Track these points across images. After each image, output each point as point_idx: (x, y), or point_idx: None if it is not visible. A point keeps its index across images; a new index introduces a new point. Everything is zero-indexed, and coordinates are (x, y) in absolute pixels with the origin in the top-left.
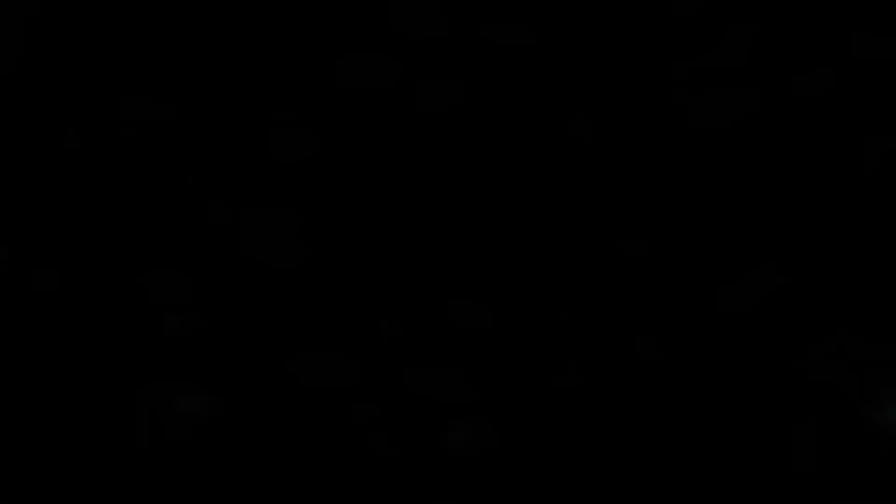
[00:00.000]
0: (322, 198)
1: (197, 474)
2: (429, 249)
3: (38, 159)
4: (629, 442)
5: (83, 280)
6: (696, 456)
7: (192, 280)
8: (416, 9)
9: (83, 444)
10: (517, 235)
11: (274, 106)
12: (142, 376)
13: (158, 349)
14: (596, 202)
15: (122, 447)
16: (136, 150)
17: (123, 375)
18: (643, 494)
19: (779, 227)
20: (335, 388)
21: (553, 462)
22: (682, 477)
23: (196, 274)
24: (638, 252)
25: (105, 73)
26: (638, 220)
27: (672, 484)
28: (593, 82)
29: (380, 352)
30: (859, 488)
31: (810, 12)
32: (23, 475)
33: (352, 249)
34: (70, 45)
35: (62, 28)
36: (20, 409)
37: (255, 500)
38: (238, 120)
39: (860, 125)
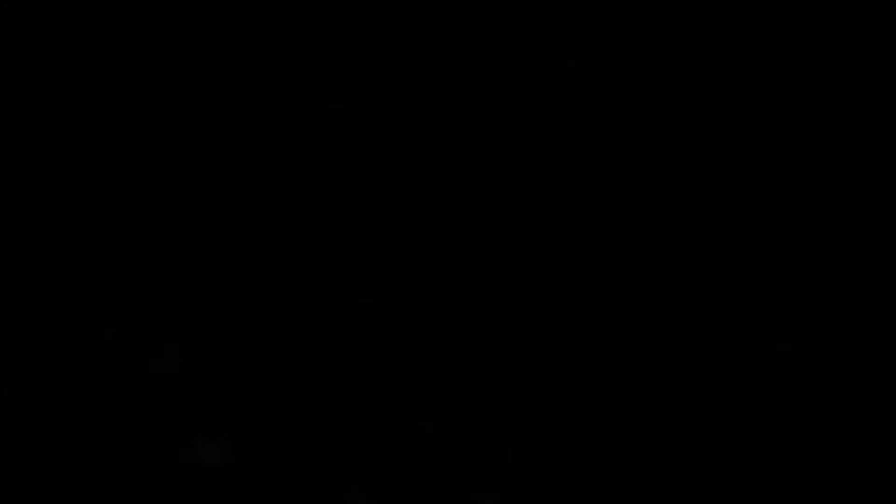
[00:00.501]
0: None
1: None
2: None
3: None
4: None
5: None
6: (698, 457)
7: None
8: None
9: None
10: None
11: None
12: (149, 416)
13: (157, 386)
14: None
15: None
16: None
17: (125, 413)
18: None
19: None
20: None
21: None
22: (681, 476)
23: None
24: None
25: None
26: (643, 231)
27: (671, 485)
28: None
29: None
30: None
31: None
32: None
33: (355, 278)
34: None
35: None
36: (27, 458)
37: None
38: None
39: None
